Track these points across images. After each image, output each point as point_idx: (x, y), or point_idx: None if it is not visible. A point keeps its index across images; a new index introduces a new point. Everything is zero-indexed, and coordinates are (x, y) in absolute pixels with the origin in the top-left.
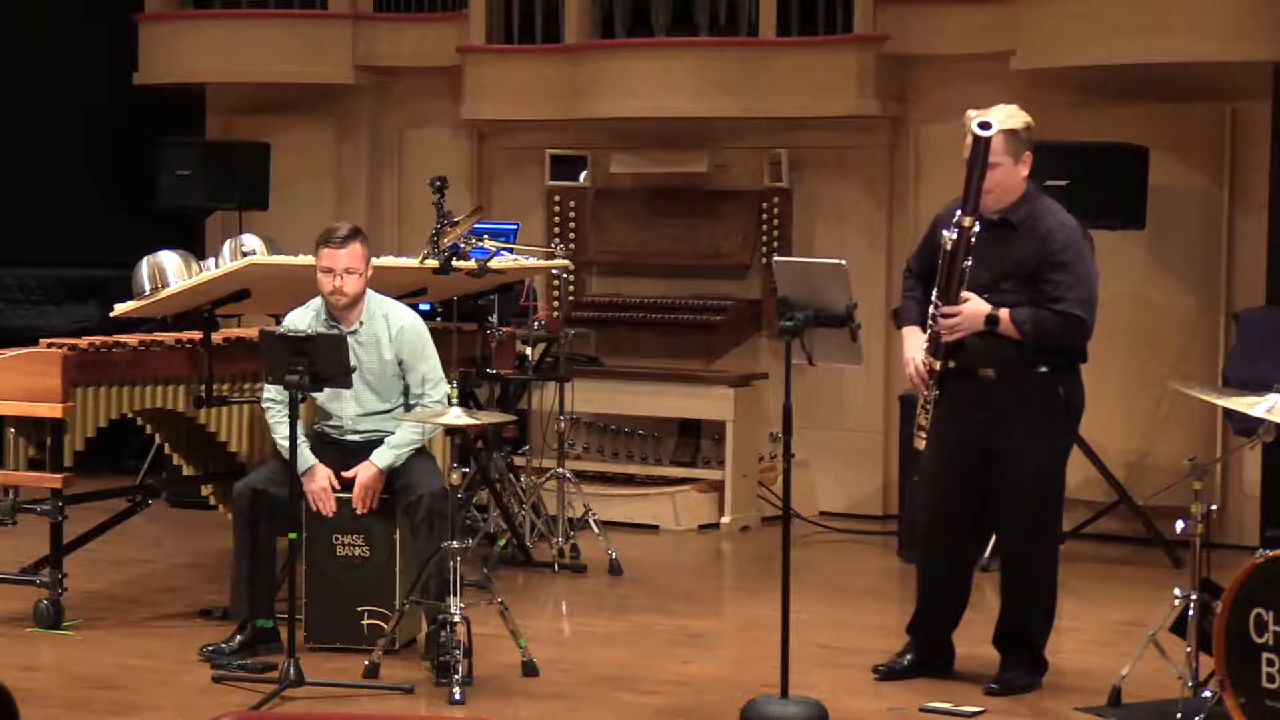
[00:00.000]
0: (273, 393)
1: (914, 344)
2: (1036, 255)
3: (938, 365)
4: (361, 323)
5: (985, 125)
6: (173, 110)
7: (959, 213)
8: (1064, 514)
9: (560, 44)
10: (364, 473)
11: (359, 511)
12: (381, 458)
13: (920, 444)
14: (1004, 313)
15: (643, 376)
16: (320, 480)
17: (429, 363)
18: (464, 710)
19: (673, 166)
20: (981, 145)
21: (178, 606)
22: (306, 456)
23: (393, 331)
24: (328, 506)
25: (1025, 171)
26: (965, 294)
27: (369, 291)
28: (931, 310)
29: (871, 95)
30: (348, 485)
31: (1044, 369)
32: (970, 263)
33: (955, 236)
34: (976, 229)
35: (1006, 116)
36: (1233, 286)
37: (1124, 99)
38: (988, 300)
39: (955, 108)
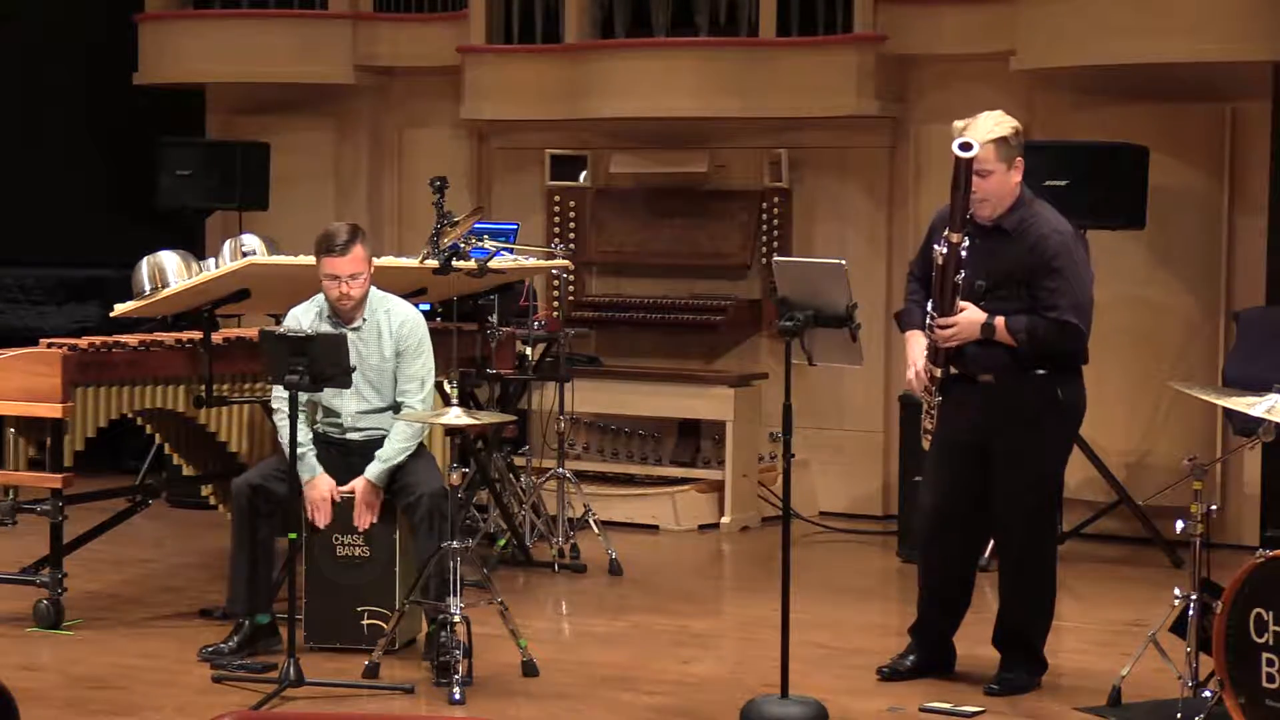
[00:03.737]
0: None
1: (916, 349)
2: (1029, 262)
3: (938, 372)
4: (365, 319)
5: (966, 146)
6: (173, 110)
7: (946, 229)
8: (1064, 514)
9: (560, 44)
10: (359, 489)
11: (361, 528)
12: (374, 471)
13: (927, 446)
14: (999, 321)
15: (643, 376)
16: (321, 490)
17: (422, 359)
18: (464, 710)
19: (672, 166)
20: (962, 166)
21: (178, 606)
22: (313, 465)
23: (394, 325)
24: (323, 517)
25: (1018, 177)
26: (962, 304)
27: (370, 288)
28: (929, 320)
29: (871, 95)
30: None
31: (1041, 372)
32: (962, 276)
33: (945, 251)
34: (965, 244)
35: (995, 124)
36: (1233, 286)
37: (1124, 99)
38: (984, 307)
39: (955, 108)
